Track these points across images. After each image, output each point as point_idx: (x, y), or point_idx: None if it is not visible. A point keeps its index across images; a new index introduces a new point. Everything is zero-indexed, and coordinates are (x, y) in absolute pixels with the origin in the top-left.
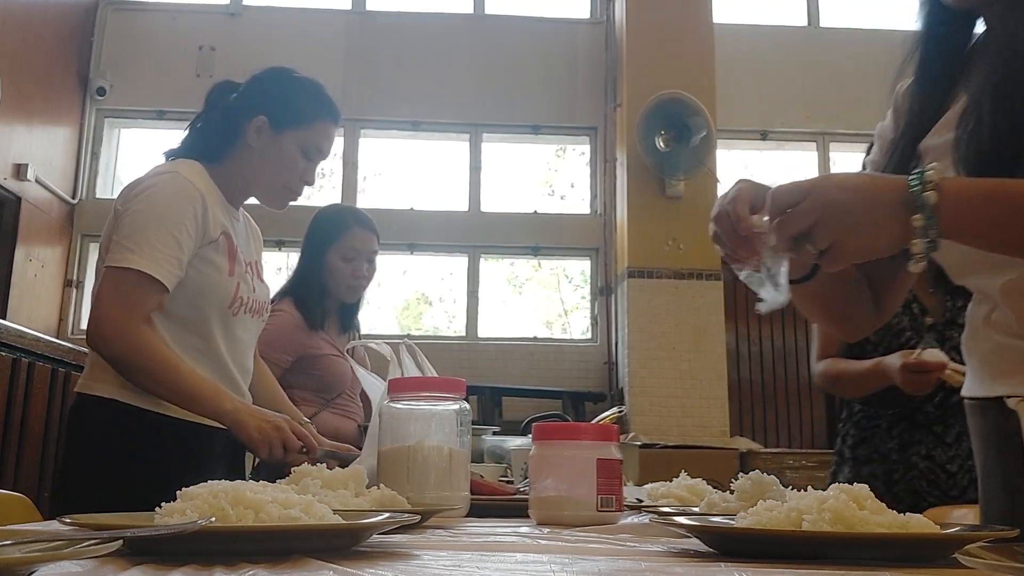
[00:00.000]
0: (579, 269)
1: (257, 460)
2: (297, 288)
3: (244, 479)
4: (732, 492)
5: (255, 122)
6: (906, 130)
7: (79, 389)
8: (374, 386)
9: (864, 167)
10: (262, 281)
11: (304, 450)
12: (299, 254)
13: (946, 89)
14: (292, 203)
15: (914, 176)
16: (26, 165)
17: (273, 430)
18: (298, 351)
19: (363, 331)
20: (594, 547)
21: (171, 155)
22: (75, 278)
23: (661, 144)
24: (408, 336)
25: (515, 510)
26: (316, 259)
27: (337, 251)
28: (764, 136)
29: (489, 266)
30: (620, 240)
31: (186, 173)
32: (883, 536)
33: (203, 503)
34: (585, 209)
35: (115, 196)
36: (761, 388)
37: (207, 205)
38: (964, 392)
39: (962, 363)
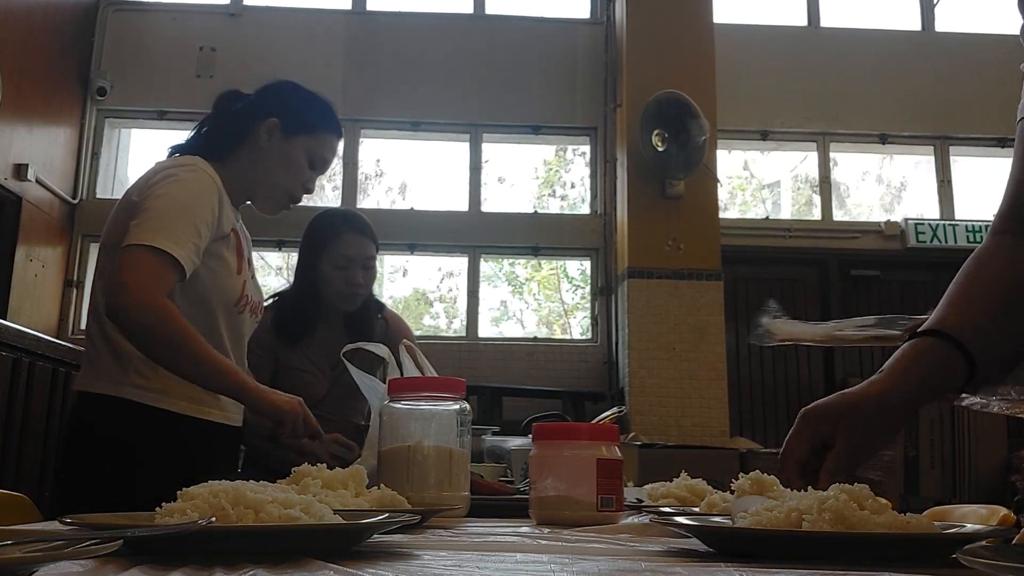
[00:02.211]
0: (579, 269)
1: (242, 460)
2: (286, 297)
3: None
4: (732, 492)
5: (267, 124)
6: None
7: (80, 388)
8: (372, 389)
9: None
10: (256, 281)
11: (313, 435)
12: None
13: None
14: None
15: None
16: (27, 165)
17: (298, 405)
18: (272, 359)
19: None
20: (594, 547)
21: (175, 151)
22: (75, 278)
23: (660, 144)
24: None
25: (515, 510)
26: (309, 267)
27: (328, 259)
28: (764, 136)
29: (489, 266)
30: (620, 240)
31: (202, 167)
32: (883, 536)
33: (203, 503)
34: (585, 209)
35: (116, 196)
36: (761, 388)
37: (222, 200)
38: None
39: None
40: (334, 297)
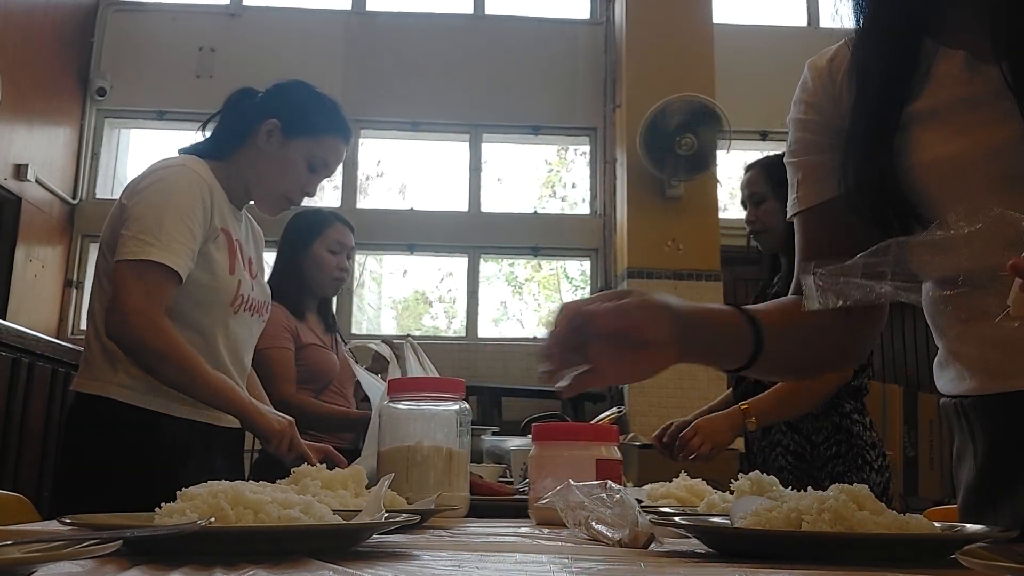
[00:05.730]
0: (579, 269)
1: (255, 460)
2: (276, 283)
3: (244, 478)
4: (732, 492)
5: (267, 125)
6: (875, 99)
7: (77, 388)
8: (374, 386)
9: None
10: (262, 281)
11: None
12: (276, 254)
13: (913, 45)
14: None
15: None
16: (26, 165)
17: (288, 427)
18: (292, 339)
19: (364, 331)
20: (594, 547)
21: (182, 153)
22: (75, 278)
23: (676, 147)
24: (409, 336)
25: (515, 510)
26: (298, 253)
27: (324, 243)
28: (764, 136)
29: (489, 266)
30: (620, 241)
31: (192, 166)
32: (883, 536)
33: (203, 503)
34: (585, 209)
35: (115, 196)
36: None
37: (213, 198)
38: (959, 391)
39: None
40: (324, 279)
